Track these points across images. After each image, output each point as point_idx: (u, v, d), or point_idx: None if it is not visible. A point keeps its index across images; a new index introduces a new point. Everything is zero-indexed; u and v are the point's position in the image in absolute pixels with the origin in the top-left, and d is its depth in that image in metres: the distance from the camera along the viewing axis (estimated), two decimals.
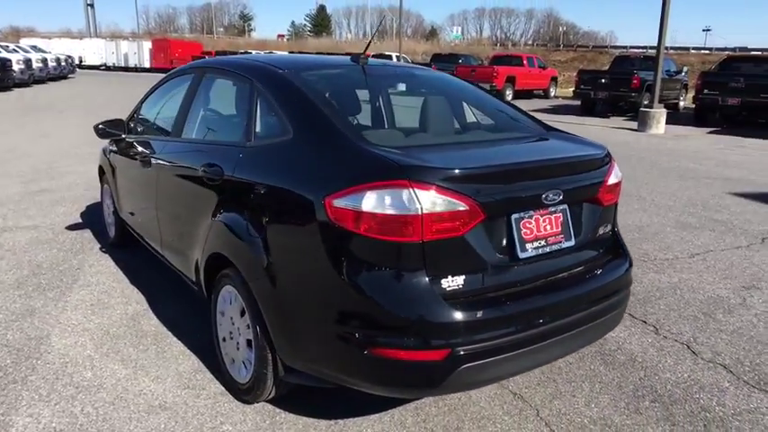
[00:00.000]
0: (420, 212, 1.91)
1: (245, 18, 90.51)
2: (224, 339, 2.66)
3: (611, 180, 2.48)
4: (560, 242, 2.27)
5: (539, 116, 3.15)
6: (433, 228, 1.93)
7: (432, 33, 78.02)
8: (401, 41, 34.46)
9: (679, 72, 18.66)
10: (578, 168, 2.38)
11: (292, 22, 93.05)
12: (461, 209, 1.97)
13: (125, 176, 3.98)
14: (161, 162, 3.27)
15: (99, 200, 5.10)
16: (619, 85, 16.24)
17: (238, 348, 2.53)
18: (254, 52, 31.91)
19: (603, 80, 16.70)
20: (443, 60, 26.26)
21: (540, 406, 2.57)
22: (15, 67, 21.30)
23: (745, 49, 39.66)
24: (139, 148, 3.61)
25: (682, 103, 18.66)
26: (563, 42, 55.04)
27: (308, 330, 2.14)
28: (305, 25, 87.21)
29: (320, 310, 2.09)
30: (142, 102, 4.00)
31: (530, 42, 63.37)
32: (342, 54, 25.01)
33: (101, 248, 4.52)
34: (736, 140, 11.99)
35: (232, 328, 2.56)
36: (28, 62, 22.82)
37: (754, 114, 14.23)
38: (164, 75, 4.02)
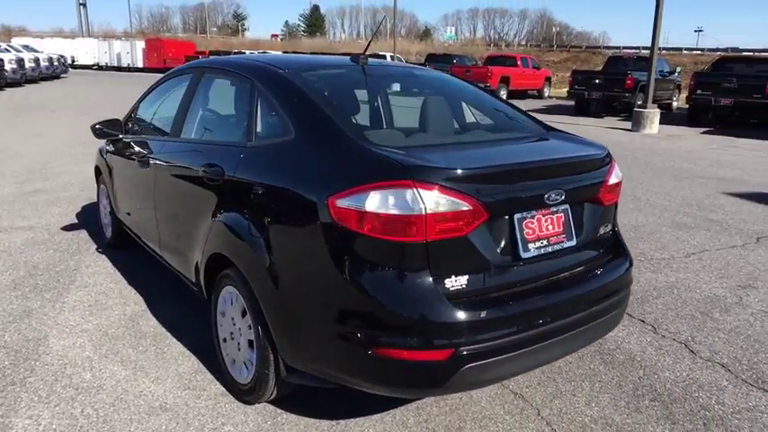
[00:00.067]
0: (424, 212, 1.91)
1: (239, 18, 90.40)
2: (225, 340, 2.65)
3: (612, 180, 2.49)
4: (562, 242, 2.28)
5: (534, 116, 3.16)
6: (437, 228, 1.94)
7: (425, 33, 78.18)
8: (395, 41, 34.46)
9: (672, 72, 18.79)
10: (579, 168, 2.39)
11: (286, 22, 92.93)
12: (465, 209, 1.97)
13: (122, 177, 3.96)
14: (159, 162, 3.25)
15: (95, 200, 5.07)
16: (612, 85, 16.33)
17: (239, 349, 2.52)
18: (247, 52, 31.81)
19: (597, 80, 16.80)
20: (438, 60, 26.39)
21: (541, 405, 2.57)
22: (7, 66, 21.15)
23: (737, 49, 40.01)
24: (137, 149, 3.59)
25: (675, 104, 18.77)
26: (556, 43, 55.31)
27: (311, 330, 2.14)
28: (299, 25, 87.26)
29: (323, 309, 2.09)
30: (139, 102, 3.98)
31: (523, 43, 63.70)
32: (336, 54, 25.06)
33: (97, 249, 4.50)
34: (729, 140, 12.07)
35: (233, 328, 2.55)
36: (20, 62, 22.62)
37: (747, 114, 14.35)
38: (157, 74, 4.01)
